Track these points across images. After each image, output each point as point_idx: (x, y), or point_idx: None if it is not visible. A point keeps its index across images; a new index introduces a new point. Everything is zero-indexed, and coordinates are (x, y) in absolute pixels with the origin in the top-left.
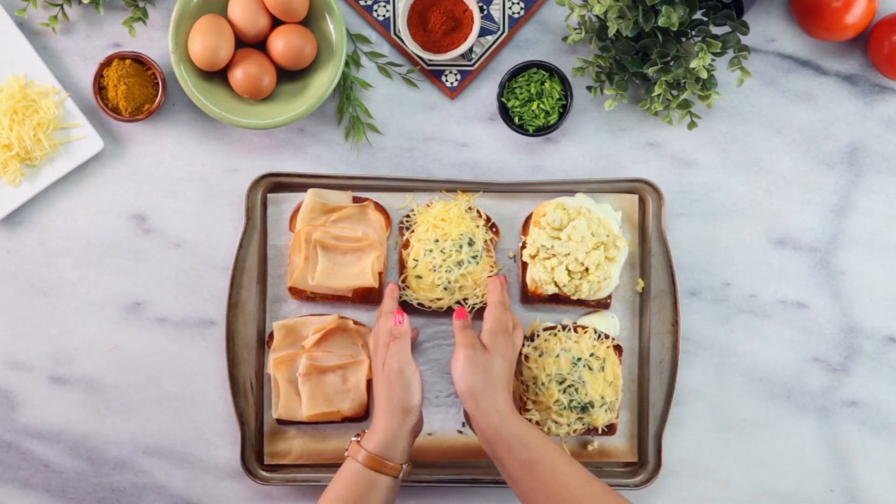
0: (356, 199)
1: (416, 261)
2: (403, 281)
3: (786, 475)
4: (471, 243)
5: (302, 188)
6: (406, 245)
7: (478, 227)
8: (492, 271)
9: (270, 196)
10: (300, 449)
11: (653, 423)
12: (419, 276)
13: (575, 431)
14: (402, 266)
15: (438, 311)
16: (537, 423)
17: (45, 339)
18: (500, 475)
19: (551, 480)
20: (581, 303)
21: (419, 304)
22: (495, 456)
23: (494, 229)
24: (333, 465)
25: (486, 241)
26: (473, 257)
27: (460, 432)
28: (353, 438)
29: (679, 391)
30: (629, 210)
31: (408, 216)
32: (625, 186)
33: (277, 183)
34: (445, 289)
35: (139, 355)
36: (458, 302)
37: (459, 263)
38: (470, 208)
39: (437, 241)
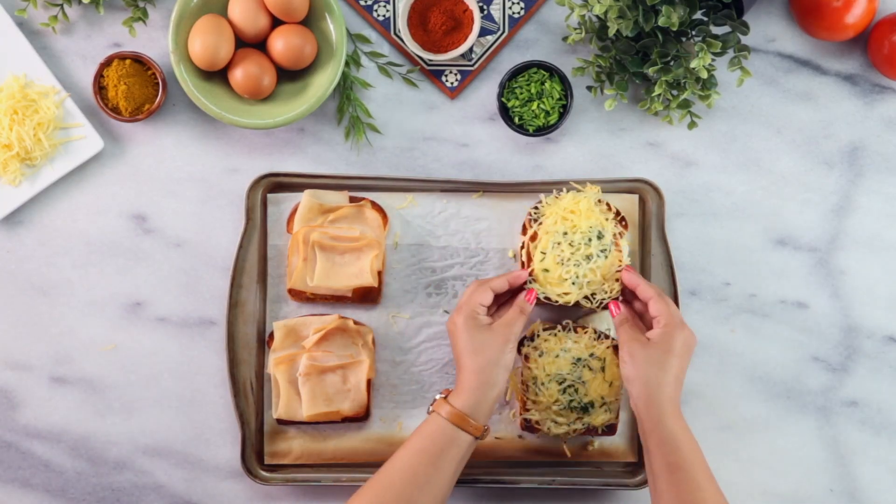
0: (353, 199)
1: (544, 253)
2: (530, 274)
3: (786, 475)
4: (600, 237)
5: (302, 188)
6: (534, 237)
7: (607, 219)
8: (619, 266)
9: (270, 196)
10: (300, 449)
11: None
12: (546, 270)
13: (575, 432)
14: (529, 259)
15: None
16: (537, 423)
17: (45, 339)
18: (499, 475)
19: (687, 491)
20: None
21: (546, 297)
22: (646, 448)
23: (623, 223)
24: (333, 465)
25: (614, 234)
26: (602, 251)
27: None
28: (438, 395)
29: None
30: (629, 210)
31: (536, 208)
32: (625, 186)
33: (277, 183)
34: (573, 283)
35: (139, 355)
36: (585, 297)
37: (588, 257)
38: (599, 201)
39: (565, 233)
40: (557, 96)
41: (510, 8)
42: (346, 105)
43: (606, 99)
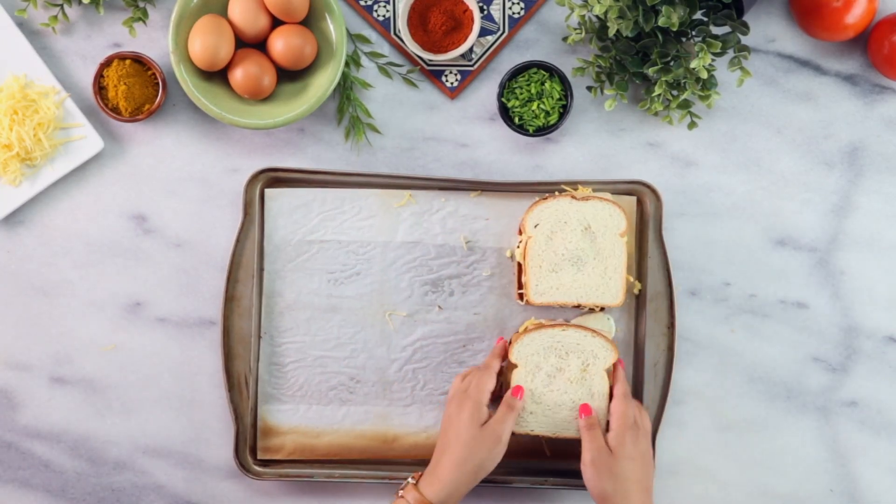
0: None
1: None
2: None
3: (786, 475)
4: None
5: (300, 184)
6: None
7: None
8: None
9: (268, 191)
10: (293, 445)
11: None
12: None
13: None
14: (520, 270)
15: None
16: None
17: (45, 339)
18: (492, 474)
19: None
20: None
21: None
22: None
23: None
24: (326, 462)
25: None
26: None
27: None
28: (409, 480)
29: (678, 391)
30: (628, 211)
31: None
32: (622, 188)
33: (275, 178)
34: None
35: (139, 355)
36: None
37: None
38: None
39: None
40: (557, 96)
41: (510, 8)
42: (346, 105)
43: (606, 99)
